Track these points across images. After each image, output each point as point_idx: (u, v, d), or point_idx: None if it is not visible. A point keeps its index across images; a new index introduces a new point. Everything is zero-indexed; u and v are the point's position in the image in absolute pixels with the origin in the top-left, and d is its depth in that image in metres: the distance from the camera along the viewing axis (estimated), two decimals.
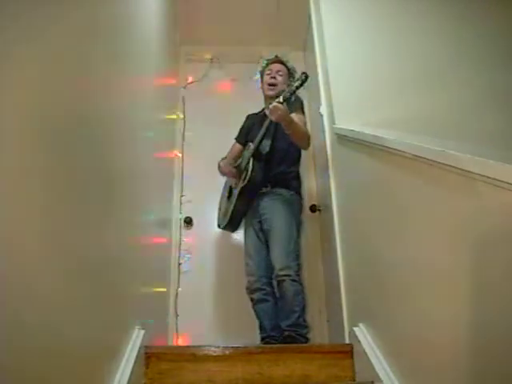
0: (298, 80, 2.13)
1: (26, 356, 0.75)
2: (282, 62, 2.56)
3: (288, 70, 2.54)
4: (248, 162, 2.33)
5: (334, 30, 2.33)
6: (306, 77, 2.11)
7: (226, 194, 2.53)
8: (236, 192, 2.38)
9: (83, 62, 1.09)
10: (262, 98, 2.57)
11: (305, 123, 2.39)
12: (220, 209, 2.58)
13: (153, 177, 2.14)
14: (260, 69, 2.63)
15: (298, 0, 2.82)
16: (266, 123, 2.27)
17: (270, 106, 2.12)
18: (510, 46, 2.19)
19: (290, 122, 2.17)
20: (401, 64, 2.20)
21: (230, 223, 2.44)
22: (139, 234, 1.73)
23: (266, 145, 2.37)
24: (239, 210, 2.39)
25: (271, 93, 2.47)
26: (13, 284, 0.72)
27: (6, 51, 0.71)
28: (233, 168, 2.47)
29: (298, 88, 2.12)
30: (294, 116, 2.23)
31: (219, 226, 2.55)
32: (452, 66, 2.17)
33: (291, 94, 2.12)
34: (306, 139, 2.34)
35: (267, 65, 2.57)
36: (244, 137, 2.62)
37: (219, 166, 2.56)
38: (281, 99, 2.11)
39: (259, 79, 2.65)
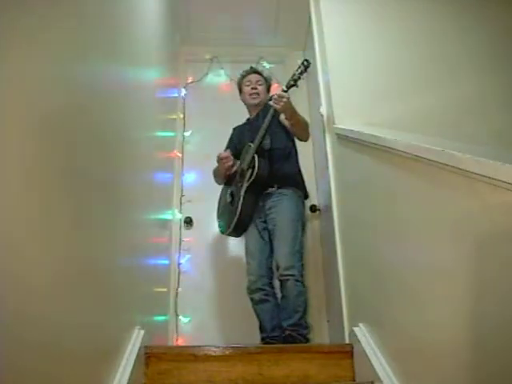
0: (299, 67, 2.09)
1: (26, 356, 0.75)
2: (258, 73, 2.59)
3: (265, 79, 2.57)
4: (253, 159, 2.27)
5: (334, 30, 2.32)
6: (309, 63, 2.08)
7: (229, 200, 2.42)
8: (242, 192, 2.29)
9: (83, 62, 1.09)
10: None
11: None
12: (221, 216, 2.50)
13: (153, 177, 2.14)
14: (237, 81, 2.62)
15: (298, 0, 2.82)
16: (269, 116, 2.20)
17: (274, 96, 2.09)
18: (509, 46, 2.19)
19: (294, 112, 2.15)
20: (401, 64, 2.20)
21: (237, 227, 2.34)
22: (139, 234, 1.73)
23: (267, 141, 2.34)
24: (246, 212, 2.29)
25: (255, 101, 2.50)
26: (13, 284, 0.72)
27: (6, 51, 0.71)
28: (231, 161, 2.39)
29: (301, 74, 2.09)
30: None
31: (223, 232, 2.45)
32: (452, 65, 2.17)
33: (295, 82, 2.09)
34: (307, 129, 2.33)
35: (244, 76, 2.57)
36: (234, 148, 2.56)
37: (215, 174, 2.52)
38: (284, 87, 2.08)
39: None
